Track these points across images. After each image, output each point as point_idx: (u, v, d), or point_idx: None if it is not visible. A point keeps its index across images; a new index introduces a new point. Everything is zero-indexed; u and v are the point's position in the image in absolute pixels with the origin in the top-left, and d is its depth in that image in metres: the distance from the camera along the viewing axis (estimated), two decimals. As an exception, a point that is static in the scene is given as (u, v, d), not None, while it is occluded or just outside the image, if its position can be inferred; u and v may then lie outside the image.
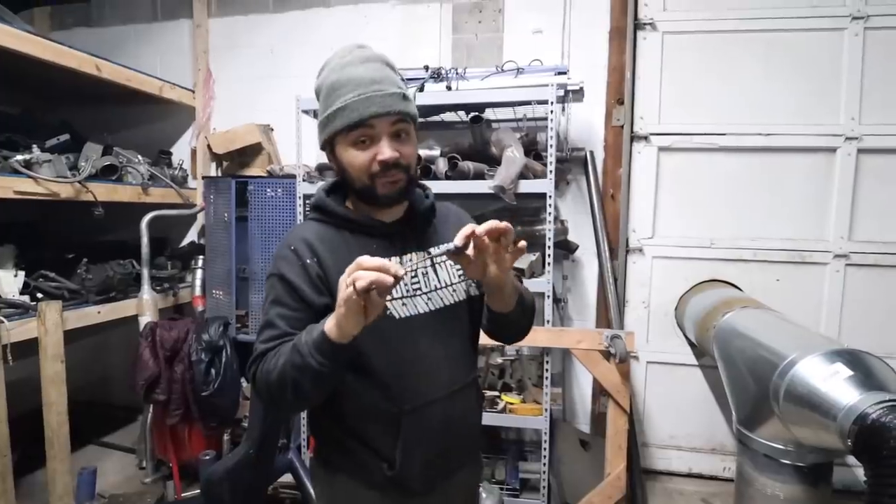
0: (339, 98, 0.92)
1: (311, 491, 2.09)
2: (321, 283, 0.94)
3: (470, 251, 0.85)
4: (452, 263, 1.06)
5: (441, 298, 1.02)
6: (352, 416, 0.97)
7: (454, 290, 1.04)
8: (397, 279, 0.75)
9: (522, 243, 0.88)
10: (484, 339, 1.15)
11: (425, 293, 1.00)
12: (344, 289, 0.76)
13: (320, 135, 0.98)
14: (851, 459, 1.99)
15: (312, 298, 0.93)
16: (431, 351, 1.00)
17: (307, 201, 2.35)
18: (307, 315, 0.92)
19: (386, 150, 0.92)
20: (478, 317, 1.10)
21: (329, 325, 0.80)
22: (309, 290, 0.93)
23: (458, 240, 0.83)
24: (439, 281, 1.03)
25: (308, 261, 0.94)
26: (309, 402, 0.90)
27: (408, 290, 0.98)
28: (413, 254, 1.01)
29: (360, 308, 0.76)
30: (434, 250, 0.82)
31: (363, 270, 0.74)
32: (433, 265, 1.03)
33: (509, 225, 0.85)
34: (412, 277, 1.00)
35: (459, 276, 1.06)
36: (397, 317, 0.97)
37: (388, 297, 0.94)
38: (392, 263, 0.75)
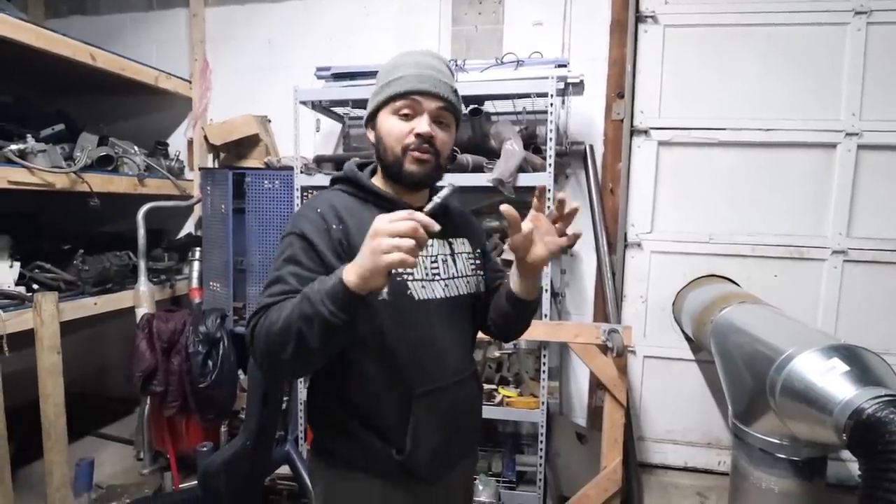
0: (397, 71, 0.97)
1: (309, 483, 2.11)
2: (342, 251, 0.93)
3: (527, 226, 0.91)
4: (468, 255, 1.10)
5: (457, 287, 1.05)
6: (361, 399, 0.97)
7: (468, 282, 1.08)
8: (427, 233, 0.76)
9: (578, 230, 0.93)
10: (481, 333, 1.17)
11: (444, 279, 1.03)
12: (375, 237, 0.75)
13: (370, 105, 1.02)
14: (845, 454, 2.01)
15: (332, 262, 0.91)
16: (443, 336, 1.02)
17: (306, 193, 2.34)
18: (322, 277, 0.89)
19: (424, 125, 0.95)
20: (478, 314, 1.13)
21: (349, 273, 0.78)
22: (330, 254, 0.92)
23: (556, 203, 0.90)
24: (457, 270, 1.06)
25: (334, 226, 0.94)
26: (308, 361, 0.85)
27: (427, 274, 1.00)
28: (434, 241, 1.03)
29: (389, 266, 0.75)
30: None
31: (405, 223, 0.74)
32: (452, 254, 1.06)
33: (578, 206, 0.91)
34: (432, 262, 1.02)
35: (472, 270, 1.10)
36: (416, 298, 0.98)
37: (410, 277, 0.97)
38: (418, 214, 0.76)
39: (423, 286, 0.99)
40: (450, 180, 2.12)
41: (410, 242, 0.74)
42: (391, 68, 0.99)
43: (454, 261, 1.06)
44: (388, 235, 0.74)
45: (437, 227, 0.76)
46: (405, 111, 0.96)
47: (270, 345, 0.83)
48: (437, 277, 1.01)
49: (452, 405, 1.02)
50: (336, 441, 1.01)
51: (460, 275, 1.06)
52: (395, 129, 0.96)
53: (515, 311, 1.04)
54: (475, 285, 1.09)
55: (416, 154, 0.95)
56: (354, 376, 0.96)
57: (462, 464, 1.11)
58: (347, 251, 0.93)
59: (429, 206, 0.83)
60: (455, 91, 1.00)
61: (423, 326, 0.99)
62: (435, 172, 1.00)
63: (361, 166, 1.08)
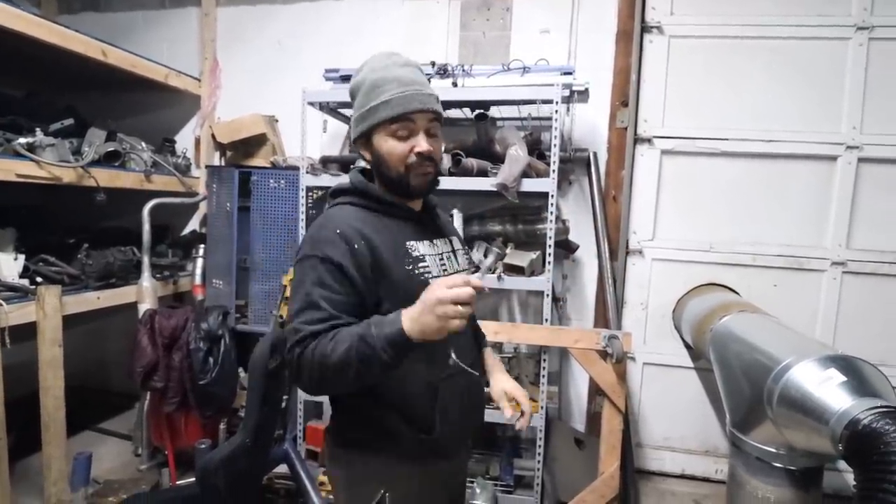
0: (384, 92, 1.01)
1: (306, 481, 2.11)
2: (370, 272, 0.98)
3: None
4: (462, 252, 1.22)
5: None
6: (388, 389, 1.02)
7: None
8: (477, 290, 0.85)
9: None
10: None
11: (450, 274, 1.11)
12: (440, 305, 0.83)
13: (358, 127, 1.06)
14: (842, 464, 2.01)
15: (362, 288, 0.97)
16: None
17: (311, 193, 2.36)
18: (354, 300, 0.96)
19: (423, 143, 1.02)
20: None
21: (409, 326, 0.86)
22: (360, 279, 0.97)
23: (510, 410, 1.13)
24: (458, 265, 1.17)
25: (356, 245, 0.98)
26: (354, 389, 0.96)
27: (440, 271, 1.09)
28: (438, 240, 1.14)
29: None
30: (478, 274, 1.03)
31: (466, 291, 0.83)
32: (453, 251, 1.17)
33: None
34: (440, 260, 1.11)
35: (466, 264, 1.22)
36: None
37: (429, 275, 1.05)
38: (472, 279, 0.86)
39: None
40: (455, 184, 2.13)
41: (469, 310, 0.84)
42: (373, 87, 1.02)
43: (455, 257, 1.17)
44: (450, 303, 0.82)
45: (487, 288, 0.88)
46: (401, 132, 1.01)
47: (325, 377, 0.91)
48: (446, 272, 1.10)
49: (468, 385, 1.10)
50: (359, 428, 1.06)
51: (461, 268, 1.17)
52: (395, 150, 1.02)
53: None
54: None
55: (418, 172, 1.03)
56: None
57: (469, 442, 1.22)
58: (374, 267, 0.99)
59: (477, 275, 0.93)
60: (437, 98, 1.06)
61: None
62: (435, 179, 1.09)
63: (361, 173, 1.14)
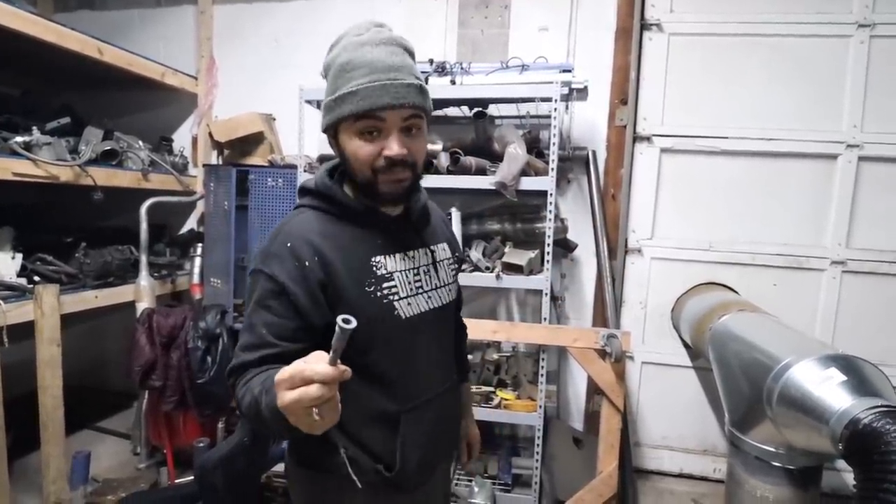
0: (350, 80, 0.84)
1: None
2: (323, 293, 0.87)
3: None
4: (449, 261, 1.08)
5: (439, 297, 1.03)
6: (348, 417, 0.91)
7: (449, 290, 1.07)
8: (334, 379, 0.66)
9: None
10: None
11: (426, 291, 1.00)
12: (293, 401, 0.65)
13: (324, 117, 0.90)
14: (840, 464, 2.01)
15: (307, 310, 0.86)
16: (429, 349, 1.01)
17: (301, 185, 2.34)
18: (295, 324, 0.85)
19: (394, 146, 0.85)
20: (455, 317, 1.17)
21: (282, 403, 0.68)
22: (305, 300, 0.85)
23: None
24: (439, 279, 1.03)
25: (307, 263, 0.86)
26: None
27: (411, 290, 0.97)
28: (417, 250, 1.00)
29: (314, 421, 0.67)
30: None
31: (311, 387, 0.64)
32: (434, 263, 1.03)
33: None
34: (415, 276, 0.98)
35: (453, 276, 1.09)
36: (403, 317, 0.95)
37: (395, 297, 0.94)
38: (338, 369, 0.65)
39: (408, 303, 0.95)
40: (453, 182, 2.13)
41: (323, 395, 0.65)
42: (341, 71, 0.85)
43: (436, 269, 1.02)
44: (300, 403, 0.65)
45: (349, 373, 0.67)
46: (368, 131, 0.86)
47: (248, 417, 0.81)
48: (420, 290, 0.98)
49: (437, 414, 1.01)
50: (318, 451, 0.96)
51: (442, 283, 1.03)
52: (360, 151, 0.86)
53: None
54: (456, 291, 1.11)
55: (388, 179, 0.88)
56: (345, 400, 0.89)
57: (444, 463, 1.13)
58: (328, 288, 0.87)
59: (331, 357, 0.66)
60: (421, 87, 0.87)
61: (410, 343, 0.97)
62: (413, 185, 0.93)
63: (332, 170, 0.98)
